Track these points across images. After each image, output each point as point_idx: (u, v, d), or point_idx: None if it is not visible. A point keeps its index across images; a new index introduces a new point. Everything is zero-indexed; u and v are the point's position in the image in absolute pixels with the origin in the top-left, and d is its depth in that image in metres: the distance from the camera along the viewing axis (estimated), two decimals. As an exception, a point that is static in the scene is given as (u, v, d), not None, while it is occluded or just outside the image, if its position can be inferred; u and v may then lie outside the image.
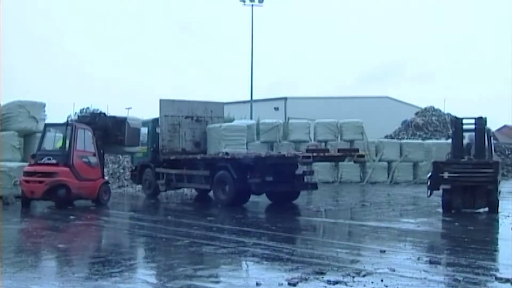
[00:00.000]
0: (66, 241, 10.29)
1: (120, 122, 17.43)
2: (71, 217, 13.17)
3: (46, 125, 17.09)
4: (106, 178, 18.49)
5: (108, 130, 17.07)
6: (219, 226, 12.02)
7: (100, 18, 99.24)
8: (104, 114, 17.64)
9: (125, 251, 9.48)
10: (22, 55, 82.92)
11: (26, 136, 19.06)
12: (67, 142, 15.77)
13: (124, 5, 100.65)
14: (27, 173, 15.74)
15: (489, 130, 14.26)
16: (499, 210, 13.62)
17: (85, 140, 16.26)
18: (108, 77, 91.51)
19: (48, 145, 16.23)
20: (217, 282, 6.71)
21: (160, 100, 19.86)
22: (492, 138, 14.44)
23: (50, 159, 15.72)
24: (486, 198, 13.55)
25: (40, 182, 15.26)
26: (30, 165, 15.97)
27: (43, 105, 19.86)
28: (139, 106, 77.05)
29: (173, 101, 20.26)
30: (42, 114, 19.92)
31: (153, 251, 9.22)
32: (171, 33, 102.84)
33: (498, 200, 13.68)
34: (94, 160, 16.39)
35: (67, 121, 18.80)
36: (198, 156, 18.39)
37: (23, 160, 18.49)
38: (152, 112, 19.13)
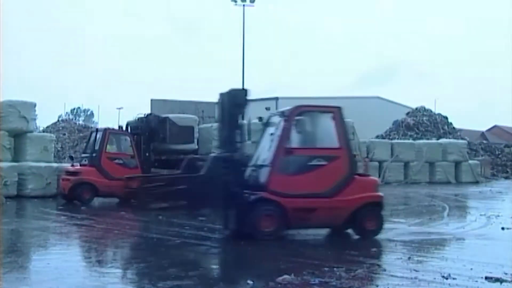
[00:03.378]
0: (56, 241, 10.24)
1: (162, 120, 18.22)
2: (62, 217, 13.12)
3: (92, 131, 18.91)
4: None
5: (152, 130, 18.03)
6: (210, 226, 11.97)
7: (91, 17, 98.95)
8: (150, 115, 18.44)
9: (116, 251, 9.45)
10: (13, 54, 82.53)
11: (17, 136, 18.97)
12: (97, 145, 17.29)
13: (116, 4, 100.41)
14: (64, 173, 17.44)
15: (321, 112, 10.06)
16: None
17: (121, 144, 18.21)
18: (101, 77, 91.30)
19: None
20: (209, 282, 6.70)
21: (151, 99, 19.87)
22: (339, 124, 9.82)
23: (85, 161, 17.48)
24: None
25: (68, 180, 16.79)
26: (71, 165, 17.71)
27: (33, 105, 19.79)
28: (130, 106, 76.94)
29: (164, 100, 20.29)
30: (32, 114, 19.87)
31: (144, 251, 9.19)
32: (162, 33, 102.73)
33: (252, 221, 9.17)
34: (132, 162, 17.55)
35: (96, 128, 20.47)
36: (189, 156, 18.37)
37: (13, 160, 18.40)
38: (144, 111, 19.32)
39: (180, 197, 9.57)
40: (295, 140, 9.56)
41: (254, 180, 9.50)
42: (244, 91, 9.91)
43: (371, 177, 10.44)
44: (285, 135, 9.47)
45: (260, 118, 10.18)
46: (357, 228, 9.87)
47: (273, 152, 9.46)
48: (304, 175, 9.48)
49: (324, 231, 10.38)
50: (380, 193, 10.20)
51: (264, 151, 9.86)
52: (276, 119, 9.97)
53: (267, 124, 10.29)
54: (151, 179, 11.99)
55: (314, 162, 9.55)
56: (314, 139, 9.95)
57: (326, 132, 9.89)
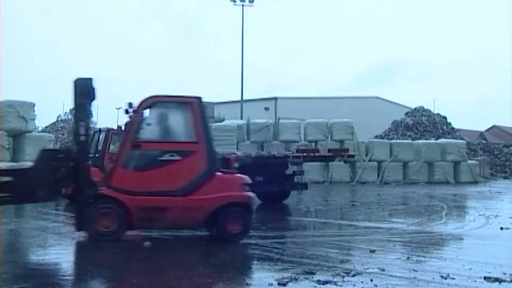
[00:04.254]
0: (55, 241, 10.22)
1: None
2: (61, 217, 13.10)
3: (95, 131, 18.34)
4: None
5: None
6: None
7: (91, 17, 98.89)
8: None
9: (113, 251, 9.43)
10: (13, 54, 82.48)
11: (16, 136, 18.99)
12: (100, 145, 17.15)
13: (115, 4, 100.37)
14: None
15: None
16: None
17: None
18: (99, 76, 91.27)
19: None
20: (207, 282, 6.70)
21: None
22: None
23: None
24: None
25: None
26: None
27: (32, 105, 19.83)
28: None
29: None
30: (31, 114, 19.91)
31: (143, 251, 9.18)
32: (161, 32, 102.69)
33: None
34: None
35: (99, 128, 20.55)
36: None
37: (12, 160, 18.40)
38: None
39: (4, 190, 8.67)
40: (145, 133, 8.89)
41: (105, 176, 9.02)
42: (88, 80, 8.86)
43: (238, 175, 9.45)
44: (132, 128, 8.86)
45: (127, 111, 9.17)
46: (218, 230, 9.01)
47: (119, 146, 8.94)
48: (153, 171, 8.80)
49: (327, 231, 10.39)
50: (248, 193, 9.18)
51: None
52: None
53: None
54: None
55: (165, 157, 8.81)
56: (167, 132, 9.26)
57: (182, 125, 9.22)
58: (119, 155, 8.97)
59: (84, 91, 8.79)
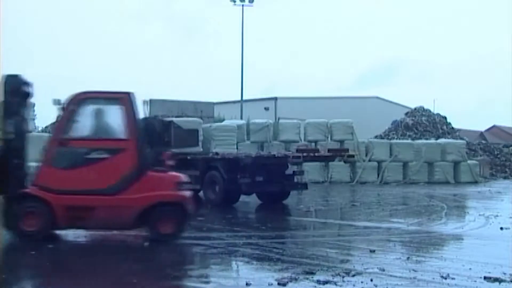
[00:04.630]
0: (54, 241, 10.22)
1: (166, 124, 18.07)
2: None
3: None
4: None
5: (156, 133, 17.81)
6: (209, 226, 11.99)
7: (90, 16, 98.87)
8: (153, 118, 18.39)
9: (114, 251, 9.43)
10: (12, 53, 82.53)
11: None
12: None
13: (115, 4, 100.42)
14: None
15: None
16: None
17: None
18: (98, 76, 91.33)
19: None
20: (207, 282, 6.70)
21: (150, 99, 19.87)
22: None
23: None
24: None
25: None
26: None
27: (32, 105, 19.74)
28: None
29: (163, 101, 20.26)
30: (31, 114, 19.83)
31: (142, 251, 9.19)
32: (161, 32, 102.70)
33: None
34: None
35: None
36: (188, 156, 18.36)
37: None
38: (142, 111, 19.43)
39: None
40: (73, 130, 8.68)
41: (33, 174, 8.81)
42: (17, 77, 8.66)
43: (172, 174, 9.10)
44: (60, 125, 8.73)
45: (62, 107, 8.91)
46: (150, 230, 8.84)
47: (47, 143, 8.78)
48: (81, 169, 8.58)
49: (327, 231, 10.38)
50: (183, 193, 8.97)
51: None
52: None
53: None
54: None
55: (93, 155, 8.57)
56: (96, 129, 9.00)
57: (112, 121, 8.99)
58: (46, 153, 8.72)
59: (13, 88, 8.58)
